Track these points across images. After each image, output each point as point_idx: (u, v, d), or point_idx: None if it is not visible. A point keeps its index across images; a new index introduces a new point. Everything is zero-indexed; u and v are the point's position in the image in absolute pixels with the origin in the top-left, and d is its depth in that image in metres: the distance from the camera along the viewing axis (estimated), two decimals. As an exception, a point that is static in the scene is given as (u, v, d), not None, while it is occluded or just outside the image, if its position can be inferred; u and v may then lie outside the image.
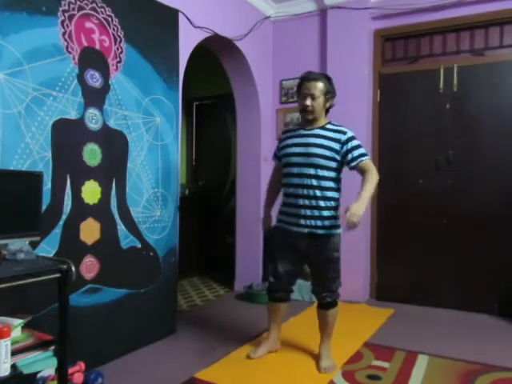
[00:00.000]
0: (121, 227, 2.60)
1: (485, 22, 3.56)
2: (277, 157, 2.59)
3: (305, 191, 2.33)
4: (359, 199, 2.18)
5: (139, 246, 2.73)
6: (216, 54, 3.99)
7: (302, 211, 2.34)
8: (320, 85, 2.31)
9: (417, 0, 3.62)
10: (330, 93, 2.35)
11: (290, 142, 2.43)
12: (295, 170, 2.36)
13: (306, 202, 2.33)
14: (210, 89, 5.19)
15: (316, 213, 2.32)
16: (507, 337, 3.00)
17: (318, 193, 2.31)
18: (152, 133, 2.82)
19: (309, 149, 2.32)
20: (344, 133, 2.33)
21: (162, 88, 2.88)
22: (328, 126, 2.37)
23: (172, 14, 2.98)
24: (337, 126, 2.38)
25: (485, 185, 3.54)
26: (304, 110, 2.34)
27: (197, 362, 2.51)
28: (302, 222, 2.35)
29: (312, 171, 2.31)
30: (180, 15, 3.04)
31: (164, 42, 2.90)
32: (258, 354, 2.58)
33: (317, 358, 2.52)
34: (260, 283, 3.93)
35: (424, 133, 3.76)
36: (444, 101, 3.67)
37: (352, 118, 3.83)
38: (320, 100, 2.32)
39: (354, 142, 2.33)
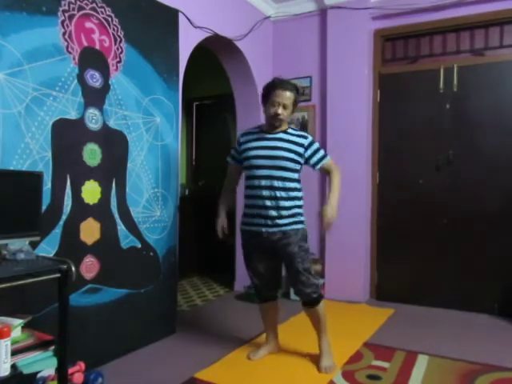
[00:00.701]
0: (121, 227, 2.60)
1: (485, 21, 3.56)
2: (234, 158, 2.61)
3: (272, 193, 2.38)
4: (330, 203, 2.36)
5: (139, 245, 2.73)
6: (216, 54, 3.99)
7: (269, 212, 2.38)
8: (291, 95, 2.39)
9: (417, 0, 3.62)
10: (296, 103, 2.45)
11: (253, 144, 2.47)
12: (262, 172, 2.40)
13: (273, 202, 2.38)
14: (210, 89, 5.19)
15: (282, 213, 2.38)
16: (507, 337, 3.00)
17: (283, 194, 2.38)
18: (152, 133, 2.82)
19: (275, 152, 2.39)
20: (305, 137, 2.45)
21: (162, 88, 2.88)
22: (290, 131, 2.47)
23: (172, 14, 2.98)
24: (297, 130, 2.51)
25: (485, 185, 3.54)
26: (274, 117, 2.40)
27: (197, 362, 2.51)
28: (269, 222, 2.39)
29: (278, 173, 2.38)
30: (180, 15, 3.04)
31: (164, 42, 2.90)
32: (258, 356, 2.58)
33: (318, 356, 2.50)
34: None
35: (424, 133, 3.76)
36: (444, 101, 3.67)
37: (352, 118, 3.84)
38: (289, 109, 2.41)
39: (315, 146, 2.46)
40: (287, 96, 2.37)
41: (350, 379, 2.31)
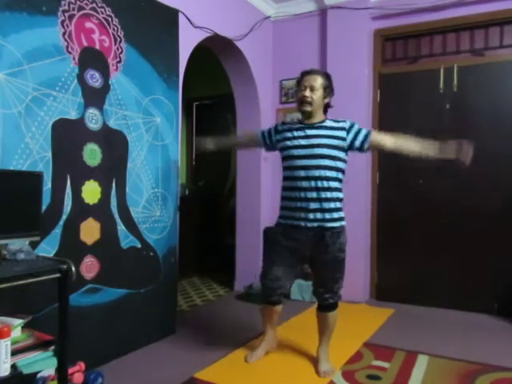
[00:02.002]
0: (121, 227, 2.60)
1: (485, 22, 3.56)
2: (263, 134, 2.55)
3: (312, 183, 2.29)
4: (441, 145, 2.35)
5: (139, 246, 2.73)
6: (216, 54, 3.99)
7: (311, 204, 2.29)
8: (319, 79, 2.33)
9: (417, 0, 3.62)
10: (328, 88, 2.37)
11: (290, 134, 2.39)
12: (300, 162, 2.32)
13: (314, 194, 2.28)
14: (210, 89, 5.19)
15: (325, 205, 2.29)
16: (507, 337, 3.00)
17: (325, 184, 2.29)
18: (152, 133, 2.82)
19: (313, 140, 2.31)
20: (344, 121, 2.38)
21: (162, 88, 2.88)
22: (328, 121, 2.39)
23: (172, 14, 2.98)
24: (335, 119, 2.42)
25: (485, 184, 3.54)
26: (302, 101, 2.34)
27: (197, 362, 2.51)
28: (311, 215, 2.30)
29: (317, 162, 2.29)
30: (180, 15, 3.04)
31: (164, 42, 2.90)
32: (255, 357, 2.55)
33: (315, 361, 2.49)
34: (260, 283, 3.92)
35: (424, 133, 3.72)
36: (444, 101, 3.67)
37: (352, 118, 3.77)
38: (319, 93, 2.32)
39: (356, 127, 2.37)
40: (314, 78, 2.32)
41: (350, 379, 2.31)
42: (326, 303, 2.41)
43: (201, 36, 3.33)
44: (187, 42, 3.15)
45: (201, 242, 5.11)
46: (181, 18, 3.05)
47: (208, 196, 5.25)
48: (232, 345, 2.78)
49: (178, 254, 3.05)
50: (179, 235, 3.08)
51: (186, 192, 5.28)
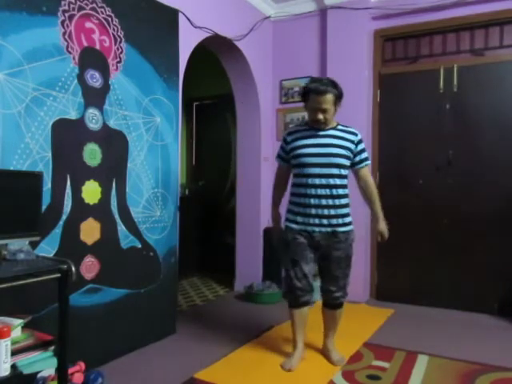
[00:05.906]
0: (121, 227, 2.60)
1: (485, 22, 3.56)
2: (281, 158, 2.55)
3: (328, 191, 2.34)
4: (380, 218, 2.47)
5: (139, 246, 2.73)
6: (216, 54, 3.99)
7: (325, 211, 2.35)
8: (330, 97, 2.31)
9: (417, 0, 3.62)
10: (338, 99, 2.38)
11: (303, 142, 2.41)
12: (315, 170, 2.35)
13: (330, 201, 2.35)
14: (210, 89, 5.19)
15: (339, 211, 2.37)
16: (507, 337, 3.00)
17: (340, 191, 2.37)
18: (152, 133, 2.82)
19: (328, 149, 2.36)
20: (355, 134, 2.44)
21: (162, 88, 2.88)
22: (339, 127, 2.44)
23: (172, 14, 2.98)
24: (346, 127, 2.47)
25: (485, 185, 3.54)
26: (315, 123, 2.39)
27: (197, 362, 2.51)
28: (325, 221, 2.36)
29: (335, 171, 2.36)
30: (180, 15, 3.04)
31: (164, 42, 2.90)
32: (292, 365, 2.43)
33: (325, 352, 2.54)
34: (260, 283, 3.93)
35: (424, 133, 3.76)
36: (444, 101, 3.67)
37: (352, 118, 3.81)
38: (331, 111, 2.35)
39: (363, 145, 2.45)
40: (324, 100, 2.29)
41: (350, 379, 2.31)
42: (337, 302, 2.47)
43: (201, 36, 3.33)
44: (187, 41, 3.15)
45: (201, 243, 5.11)
46: (181, 18, 3.05)
47: (208, 196, 5.25)
48: (232, 345, 2.78)
49: (177, 254, 3.05)
50: (179, 235, 3.09)
51: (186, 192, 5.28)
